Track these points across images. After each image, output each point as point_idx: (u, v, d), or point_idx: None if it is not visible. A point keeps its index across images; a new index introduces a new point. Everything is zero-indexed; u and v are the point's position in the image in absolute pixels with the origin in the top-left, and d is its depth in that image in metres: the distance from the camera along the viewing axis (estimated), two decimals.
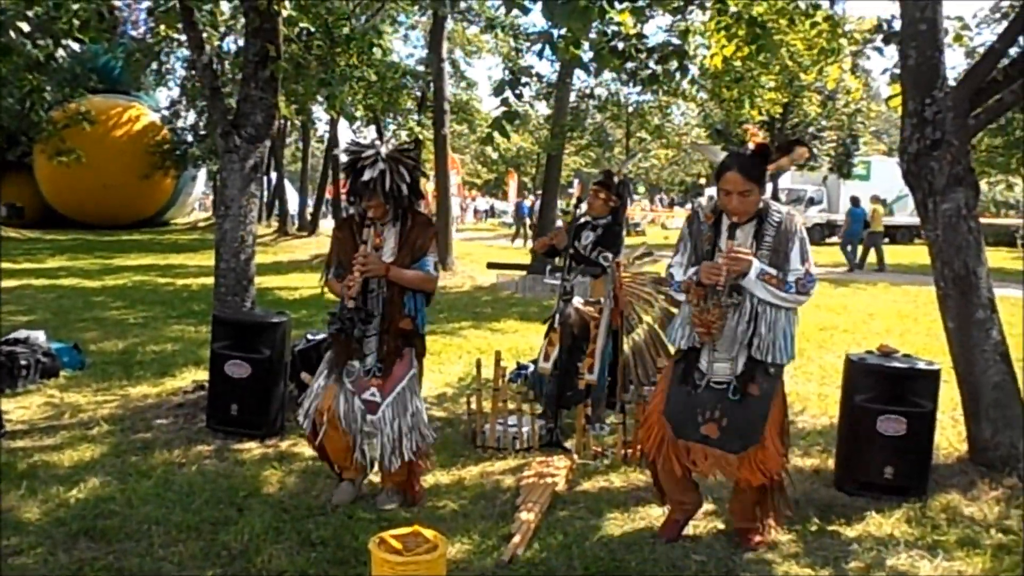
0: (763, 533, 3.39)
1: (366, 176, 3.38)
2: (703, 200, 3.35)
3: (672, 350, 4.93)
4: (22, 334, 6.07)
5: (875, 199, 18.16)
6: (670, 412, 3.27)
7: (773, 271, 3.07)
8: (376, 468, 3.69)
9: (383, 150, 3.45)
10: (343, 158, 3.53)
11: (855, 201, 17.86)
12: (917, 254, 14.24)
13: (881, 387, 4.03)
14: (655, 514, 3.69)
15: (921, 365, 4.11)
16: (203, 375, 5.61)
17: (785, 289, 3.06)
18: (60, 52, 7.46)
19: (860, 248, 17.46)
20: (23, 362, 5.65)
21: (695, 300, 3.12)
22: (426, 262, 3.54)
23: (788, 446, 3.38)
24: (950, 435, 4.77)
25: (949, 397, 4.64)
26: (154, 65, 18.57)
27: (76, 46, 6.14)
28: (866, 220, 17.31)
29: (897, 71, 4.85)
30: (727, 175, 3.08)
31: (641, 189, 31.32)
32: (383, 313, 3.54)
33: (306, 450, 4.47)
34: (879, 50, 5.53)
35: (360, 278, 3.42)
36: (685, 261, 3.25)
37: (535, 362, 5.26)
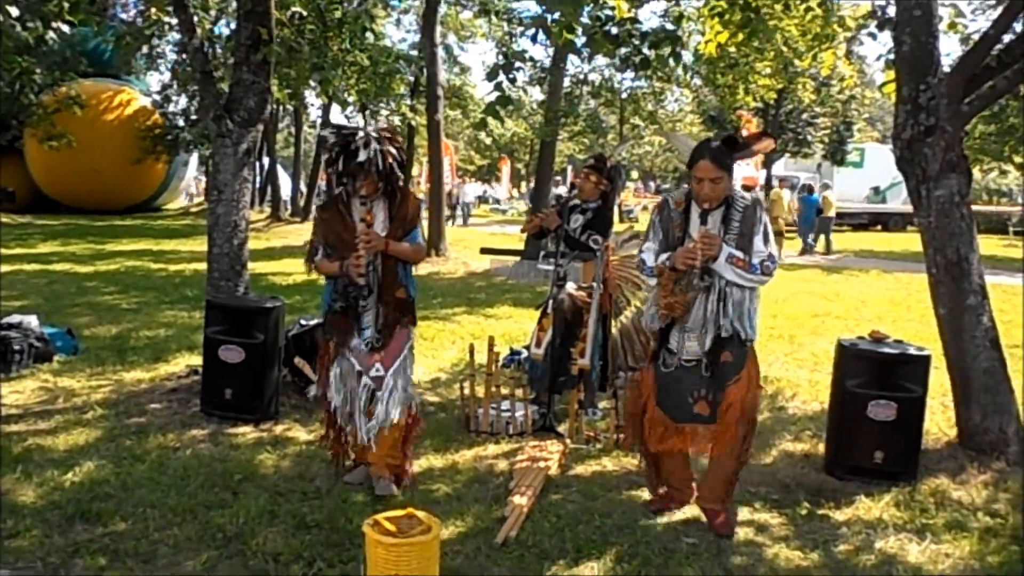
0: (728, 515, 3.44)
1: (361, 157, 3.47)
2: (674, 190, 3.52)
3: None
4: (15, 319, 6.05)
5: (825, 187, 19.62)
6: (663, 402, 3.42)
7: (740, 254, 3.26)
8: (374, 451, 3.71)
9: (372, 132, 3.55)
10: (330, 139, 3.58)
11: (809, 189, 19.11)
12: (909, 241, 14.29)
13: (872, 372, 4.06)
14: (647, 496, 3.73)
15: (912, 351, 4.14)
16: (196, 360, 5.61)
17: (751, 271, 3.26)
18: (50, 35, 7.39)
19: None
20: (16, 347, 5.64)
21: (667, 284, 3.32)
22: (416, 234, 3.72)
23: (758, 401, 3.53)
24: (940, 420, 4.82)
25: (939, 383, 4.68)
26: (144, 49, 18.41)
27: (66, 28, 6.07)
28: (818, 207, 18.23)
29: (891, 57, 4.86)
30: (700, 163, 3.27)
31: (635, 175, 31.27)
32: (379, 285, 3.64)
33: (300, 434, 4.50)
34: (873, 36, 5.53)
35: (366, 255, 3.54)
36: (656, 247, 3.42)
37: (528, 348, 5.28)
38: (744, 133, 3.61)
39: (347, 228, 3.60)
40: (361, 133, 3.53)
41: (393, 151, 3.56)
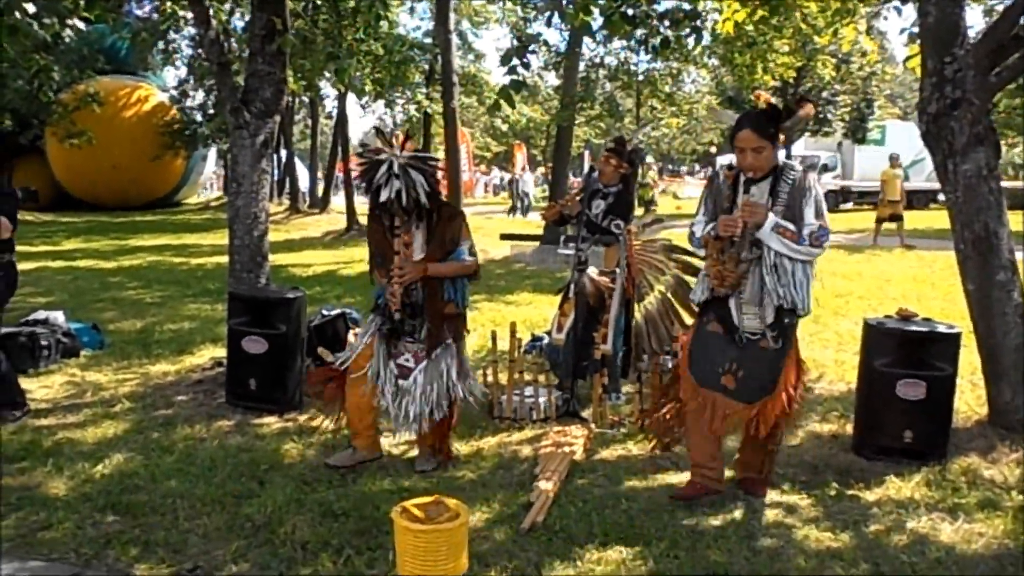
0: (765, 484, 3.49)
1: (383, 197, 3.43)
2: (722, 161, 3.46)
3: (686, 319, 4.94)
4: (41, 315, 6.13)
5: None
6: (694, 367, 3.43)
7: (788, 224, 3.19)
8: (404, 434, 3.80)
9: (396, 161, 3.44)
10: (356, 169, 3.56)
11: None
12: (934, 219, 14.07)
13: (900, 351, 4.00)
14: (673, 481, 3.71)
15: (941, 328, 4.07)
16: (221, 352, 5.65)
17: (799, 242, 3.19)
18: (67, 32, 7.43)
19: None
20: (44, 343, 5.71)
21: (713, 253, 3.29)
22: (460, 252, 3.66)
23: (802, 400, 3.52)
24: (969, 398, 4.74)
25: (968, 361, 4.61)
26: (160, 44, 18.50)
27: (82, 26, 6.10)
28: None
29: (915, 30, 4.76)
30: (741, 134, 3.25)
31: (650, 159, 31.03)
32: (425, 304, 3.66)
33: (325, 424, 4.51)
34: (898, 9, 5.42)
35: (400, 289, 3.58)
36: (705, 219, 3.39)
37: (549, 334, 5.26)
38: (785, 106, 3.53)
39: (389, 244, 3.64)
40: (383, 168, 3.43)
41: (421, 179, 3.47)
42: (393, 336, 3.70)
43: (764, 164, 3.25)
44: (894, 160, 15.83)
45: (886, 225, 14.99)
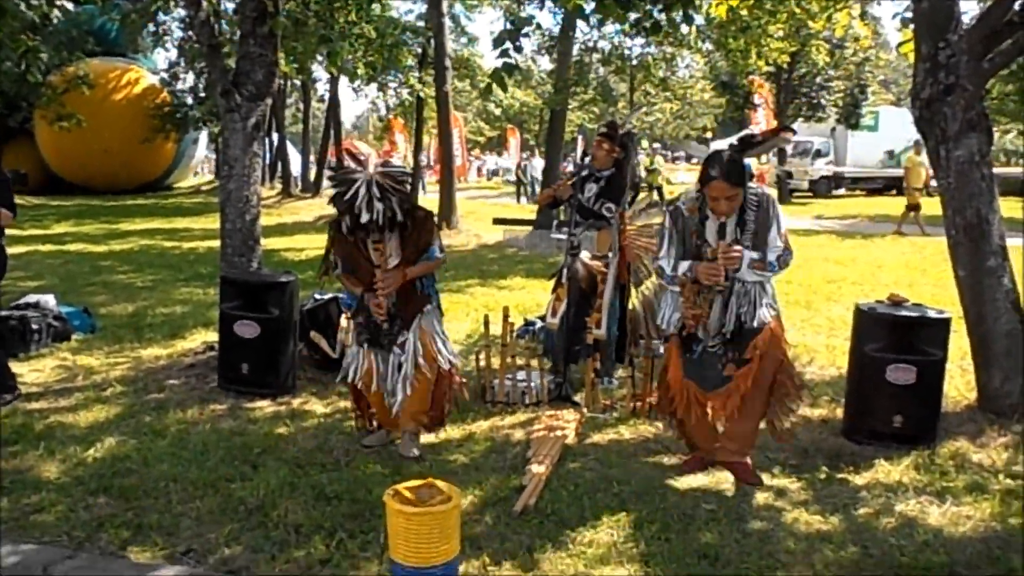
0: (751, 468, 3.54)
1: (364, 219, 3.48)
2: (683, 197, 3.58)
3: None
4: (32, 299, 6.10)
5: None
6: (692, 374, 3.50)
7: (758, 255, 3.35)
8: (397, 410, 3.83)
9: (371, 179, 3.46)
10: (334, 198, 3.56)
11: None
12: (924, 205, 14.09)
13: (891, 336, 4.02)
14: (665, 463, 3.74)
15: (931, 314, 4.09)
16: (213, 336, 5.64)
17: (769, 269, 3.37)
18: (55, 13, 7.35)
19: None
20: (35, 326, 5.69)
21: (691, 296, 3.40)
22: (433, 251, 3.78)
23: (787, 350, 3.59)
24: (959, 383, 4.78)
25: (958, 346, 4.63)
26: (150, 26, 18.31)
27: (71, 7, 6.04)
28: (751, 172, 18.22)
29: (908, 15, 4.76)
30: (713, 184, 3.28)
31: (645, 144, 30.97)
32: (399, 302, 3.76)
33: (317, 407, 4.53)
34: None
35: (385, 300, 3.68)
36: (673, 255, 3.47)
37: (543, 318, 5.26)
38: (758, 129, 3.60)
39: (362, 254, 3.70)
40: (363, 190, 3.45)
41: (395, 200, 3.51)
42: (379, 342, 3.80)
43: (736, 206, 3.33)
44: (919, 146, 15.78)
45: (896, 209, 14.89)
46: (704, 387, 3.49)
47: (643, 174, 18.75)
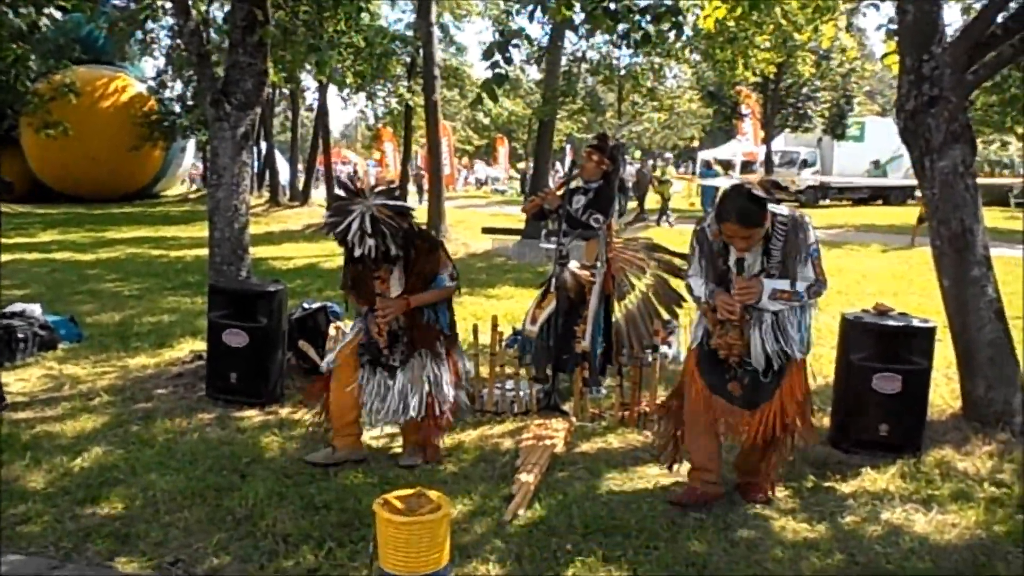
0: (765, 489, 3.46)
1: (356, 254, 3.47)
2: (708, 219, 3.36)
3: (664, 315, 4.96)
4: (18, 307, 6.05)
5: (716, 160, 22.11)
6: (703, 369, 3.40)
7: (784, 286, 3.17)
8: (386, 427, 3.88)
9: (366, 213, 3.40)
10: (327, 223, 3.52)
11: (707, 164, 21.86)
12: (910, 215, 14.22)
13: (877, 345, 4.06)
14: (653, 473, 3.75)
15: (917, 323, 4.13)
16: (200, 345, 5.61)
17: (798, 299, 3.20)
18: (43, 21, 7.32)
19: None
20: (20, 335, 5.64)
21: (714, 327, 3.30)
22: (441, 280, 3.73)
23: (808, 413, 3.45)
24: (944, 392, 4.82)
25: (943, 355, 4.68)
26: (138, 34, 18.26)
27: (59, 15, 6.02)
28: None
29: (893, 27, 4.82)
30: (727, 226, 3.12)
31: (638, 154, 31.10)
32: (404, 328, 3.74)
33: (306, 417, 4.50)
34: (875, 6, 5.48)
35: (386, 327, 3.68)
36: (703, 273, 3.35)
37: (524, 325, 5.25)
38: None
39: (367, 276, 3.70)
40: (355, 225, 3.39)
41: (389, 235, 3.45)
42: (378, 362, 3.78)
43: (755, 242, 3.16)
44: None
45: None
46: (710, 389, 3.36)
47: (655, 184, 18.94)
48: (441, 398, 3.76)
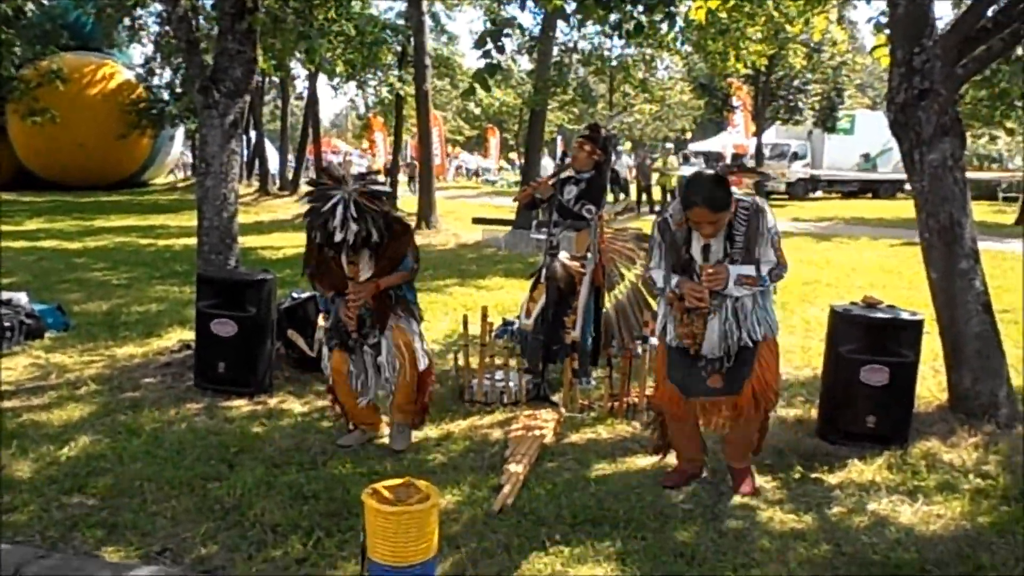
0: (752, 481, 3.49)
1: (337, 238, 3.50)
2: (670, 208, 3.41)
3: (656, 307, 4.97)
4: (4, 296, 5.99)
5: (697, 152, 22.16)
6: (675, 377, 3.40)
7: (748, 271, 3.22)
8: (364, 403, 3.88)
9: (349, 198, 3.47)
10: (310, 214, 3.56)
11: (686, 157, 21.72)
12: (899, 208, 14.29)
13: (865, 338, 4.07)
14: (641, 463, 3.76)
15: (904, 315, 4.15)
16: (189, 335, 5.58)
17: (761, 283, 3.26)
18: (29, 6, 7.24)
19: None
20: (7, 324, 5.60)
21: (679, 315, 3.30)
22: (407, 262, 3.81)
23: (779, 388, 3.51)
24: (931, 384, 4.85)
25: (931, 347, 4.71)
26: (126, 21, 18.08)
27: (46, 0, 5.97)
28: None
29: (883, 20, 4.82)
30: (696, 211, 3.15)
31: (629, 145, 31.09)
32: (373, 311, 3.77)
33: (295, 406, 4.51)
34: None
35: (356, 310, 3.70)
36: (664, 266, 3.36)
37: (518, 319, 5.26)
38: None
39: (334, 261, 3.71)
40: (340, 210, 3.45)
41: (371, 220, 3.52)
42: (347, 344, 3.82)
43: (722, 227, 3.19)
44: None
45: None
46: (685, 393, 3.36)
47: (656, 175, 18.91)
48: (423, 351, 3.89)
